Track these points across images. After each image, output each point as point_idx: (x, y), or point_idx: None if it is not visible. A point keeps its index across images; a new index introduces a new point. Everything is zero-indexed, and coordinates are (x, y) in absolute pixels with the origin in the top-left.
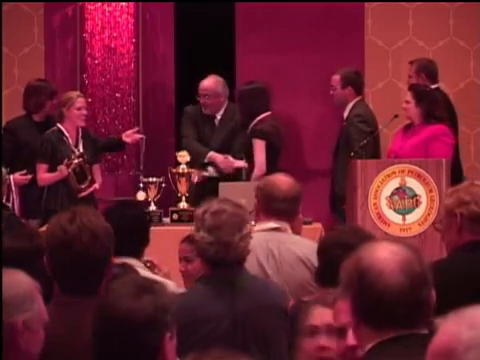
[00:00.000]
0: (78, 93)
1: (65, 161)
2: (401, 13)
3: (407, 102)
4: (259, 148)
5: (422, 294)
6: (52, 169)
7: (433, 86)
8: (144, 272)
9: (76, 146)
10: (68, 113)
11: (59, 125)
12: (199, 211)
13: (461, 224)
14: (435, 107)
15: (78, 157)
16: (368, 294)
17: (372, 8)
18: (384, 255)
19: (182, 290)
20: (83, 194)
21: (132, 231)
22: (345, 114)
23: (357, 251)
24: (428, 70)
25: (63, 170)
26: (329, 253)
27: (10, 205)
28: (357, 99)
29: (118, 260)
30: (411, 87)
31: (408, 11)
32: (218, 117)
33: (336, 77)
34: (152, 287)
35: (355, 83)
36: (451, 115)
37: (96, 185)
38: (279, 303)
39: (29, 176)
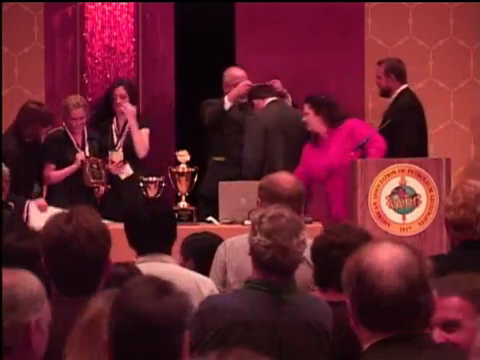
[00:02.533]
0: (75, 101)
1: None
2: (401, 13)
3: (306, 114)
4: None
5: (420, 298)
6: (58, 169)
7: (402, 86)
8: (177, 268)
9: (82, 149)
10: (67, 119)
11: (65, 125)
12: (256, 215)
13: (448, 228)
14: (336, 111)
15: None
16: (366, 295)
17: (372, 8)
18: (384, 257)
19: (214, 288)
20: (94, 190)
21: (164, 228)
22: None
23: (359, 251)
24: (397, 70)
25: (79, 156)
26: (325, 255)
27: (12, 204)
28: (271, 99)
29: (151, 258)
30: (307, 99)
31: (408, 11)
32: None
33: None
34: (169, 287)
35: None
36: (418, 116)
37: (102, 188)
38: (322, 322)
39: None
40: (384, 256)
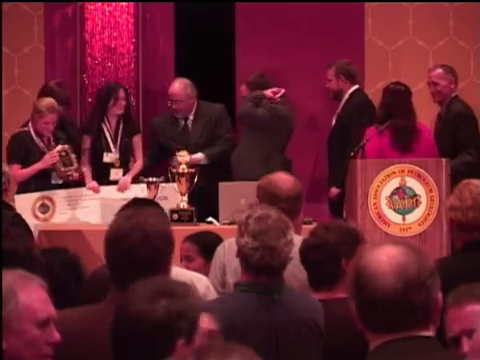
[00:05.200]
0: (51, 106)
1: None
2: (401, 13)
3: None
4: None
5: (416, 298)
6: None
7: (354, 87)
8: (177, 268)
9: (48, 148)
10: (38, 122)
11: (30, 127)
12: (242, 217)
13: (452, 227)
14: None
15: (64, 145)
16: (362, 295)
17: (372, 8)
18: (380, 257)
19: (209, 284)
20: (69, 178)
21: None
22: None
23: (360, 252)
24: (346, 71)
25: (48, 156)
26: (304, 258)
27: (14, 204)
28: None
29: None
30: None
31: (408, 11)
32: (190, 117)
33: (243, 87)
34: (173, 291)
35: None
36: (371, 115)
37: (76, 174)
38: (315, 319)
39: None
40: (381, 256)
